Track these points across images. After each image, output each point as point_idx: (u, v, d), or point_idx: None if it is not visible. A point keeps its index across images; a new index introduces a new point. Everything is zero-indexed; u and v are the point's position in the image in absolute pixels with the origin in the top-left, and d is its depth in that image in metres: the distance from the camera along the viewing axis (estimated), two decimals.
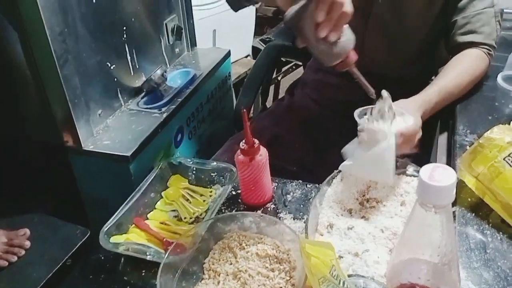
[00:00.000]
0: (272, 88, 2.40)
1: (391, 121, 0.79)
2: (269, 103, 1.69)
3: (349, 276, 0.66)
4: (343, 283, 0.60)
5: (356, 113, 0.82)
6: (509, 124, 0.95)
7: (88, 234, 1.18)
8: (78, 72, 1.13)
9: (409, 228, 0.52)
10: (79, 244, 1.14)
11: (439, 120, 1.20)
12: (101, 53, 1.21)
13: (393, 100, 0.81)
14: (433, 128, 1.20)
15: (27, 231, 1.15)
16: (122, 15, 1.27)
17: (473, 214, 0.79)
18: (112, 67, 1.26)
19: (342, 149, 0.84)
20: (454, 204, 0.81)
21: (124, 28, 1.28)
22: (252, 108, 1.62)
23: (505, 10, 1.53)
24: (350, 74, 0.83)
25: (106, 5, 1.21)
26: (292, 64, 2.43)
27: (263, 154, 0.86)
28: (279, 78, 2.44)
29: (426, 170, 0.47)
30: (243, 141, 0.85)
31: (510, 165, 0.75)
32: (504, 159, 0.76)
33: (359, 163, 0.80)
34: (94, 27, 1.17)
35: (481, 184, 0.79)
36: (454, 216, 0.78)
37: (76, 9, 1.11)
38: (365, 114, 0.82)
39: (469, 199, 0.82)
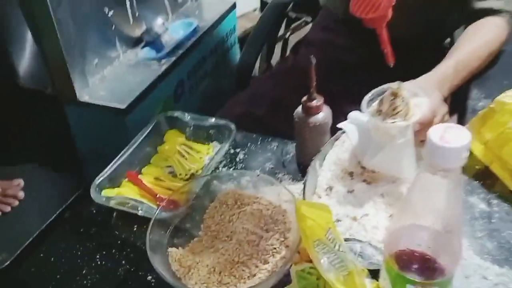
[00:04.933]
0: (280, 45, 2.32)
1: (406, 113, 0.69)
2: (276, 61, 1.62)
3: (346, 240, 0.64)
4: (339, 247, 0.57)
5: (365, 102, 0.71)
6: None
7: (83, 187, 1.16)
8: (73, 17, 1.07)
9: (412, 193, 0.48)
10: (73, 197, 1.12)
11: None
12: None
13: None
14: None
15: (21, 182, 1.13)
16: None
17: (480, 183, 0.75)
18: (109, 14, 1.19)
19: (348, 114, 0.78)
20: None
21: None
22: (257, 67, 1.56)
23: None
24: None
25: None
26: (301, 20, 2.32)
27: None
28: (287, 35, 2.34)
29: (437, 130, 0.42)
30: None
31: None
32: None
33: (374, 156, 0.72)
34: None
35: (490, 151, 0.75)
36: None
37: None
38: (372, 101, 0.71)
39: (476, 167, 0.78)
